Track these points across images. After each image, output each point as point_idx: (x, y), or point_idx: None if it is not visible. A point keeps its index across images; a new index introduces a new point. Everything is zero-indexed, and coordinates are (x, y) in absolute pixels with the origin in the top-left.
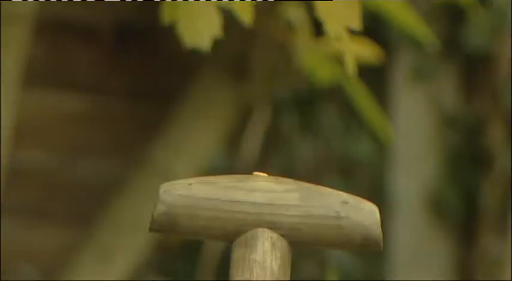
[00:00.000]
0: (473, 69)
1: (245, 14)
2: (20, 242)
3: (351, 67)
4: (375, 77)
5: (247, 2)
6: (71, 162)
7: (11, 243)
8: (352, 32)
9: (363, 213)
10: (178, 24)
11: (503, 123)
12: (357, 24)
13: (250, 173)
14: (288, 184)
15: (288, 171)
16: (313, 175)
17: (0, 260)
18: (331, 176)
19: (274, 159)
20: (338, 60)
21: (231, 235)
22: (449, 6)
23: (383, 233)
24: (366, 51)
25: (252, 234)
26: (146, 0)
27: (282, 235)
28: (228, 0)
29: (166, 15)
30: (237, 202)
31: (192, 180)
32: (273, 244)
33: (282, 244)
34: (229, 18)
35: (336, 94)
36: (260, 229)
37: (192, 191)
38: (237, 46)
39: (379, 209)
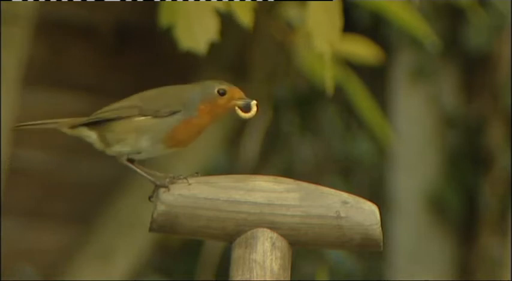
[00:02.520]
0: (473, 69)
1: (245, 16)
2: (20, 242)
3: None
4: (375, 77)
5: (247, 4)
6: (71, 162)
7: (11, 243)
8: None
9: (363, 213)
10: (176, 28)
11: (503, 123)
12: (337, 37)
13: (251, 173)
14: (288, 183)
15: (288, 171)
16: (313, 175)
17: (0, 260)
18: (331, 176)
19: (274, 159)
20: (338, 60)
21: (231, 235)
22: (449, 6)
23: (383, 233)
24: (367, 51)
25: (252, 234)
26: (146, 0)
27: (282, 235)
28: (227, 2)
29: (164, 19)
30: (237, 201)
31: (192, 180)
32: (273, 244)
33: (282, 243)
34: (228, 19)
35: (336, 94)
36: (260, 229)
37: (192, 191)
38: (237, 46)
39: (379, 209)
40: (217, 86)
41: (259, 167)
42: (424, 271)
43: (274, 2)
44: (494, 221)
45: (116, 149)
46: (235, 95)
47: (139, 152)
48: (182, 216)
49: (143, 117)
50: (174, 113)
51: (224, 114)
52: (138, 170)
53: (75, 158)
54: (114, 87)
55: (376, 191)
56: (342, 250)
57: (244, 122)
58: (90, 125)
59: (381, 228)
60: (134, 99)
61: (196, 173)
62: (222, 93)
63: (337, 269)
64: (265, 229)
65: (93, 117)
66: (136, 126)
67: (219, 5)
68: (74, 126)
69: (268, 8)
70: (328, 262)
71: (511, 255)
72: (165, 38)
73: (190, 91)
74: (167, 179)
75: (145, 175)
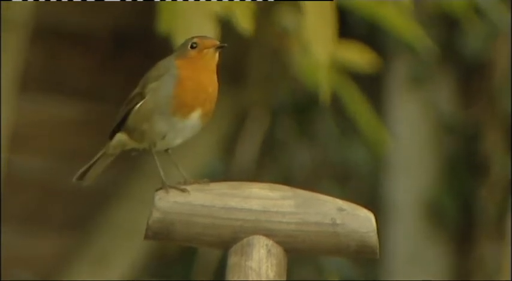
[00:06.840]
0: (469, 75)
1: (245, 21)
2: (18, 248)
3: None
4: (371, 84)
5: (248, 8)
6: (68, 168)
7: (8, 249)
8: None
9: (359, 220)
10: (174, 34)
11: (500, 129)
12: (332, 44)
13: (247, 179)
14: (284, 191)
15: (284, 177)
16: (310, 181)
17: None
18: (327, 183)
19: (271, 165)
20: (335, 67)
21: (226, 242)
22: (445, 13)
23: (379, 240)
24: (363, 58)
25: (248, 241)
26: (146, 0)
27: (277, 242)
28: (228, 9)
29: (162, 25)
30: (233, 209)
31: (190, 187)
32: (268, 251)
33: (278, 251)
34: (226, 25)
35: (332, 101)
36: (256, 236)
37: (187, 198)
38: (234, 52)
39: (376, 216)
40: (190, 41)
41: (256, 174)
42: (421, 277)
43: (271, 8)
44: (491, 227)
45: (146, 143)
46: (207, 44)
47: (164, 136)
48: (178, 223)
49: (143, 101)
50: (161, 80)
51: (208, 66)
52: (158, 165)
53: (72, 164)
54: (111, 93)
55: (373, 198)
56: (338, 257)
57: (241, 128)
58: (118, 130)
59: (377, 235)
60: (136, 89)
61: (203, 179)
62: (194, 47)
63: (334, 276)
64: (261, 236)
65: (115, 123)
66: (143, 113)
67: (218, 8)
68: (110, 138)
69: (266, 13)
70: (324, 269)
71: (510, 261)
72: (163, 43)
73: (172, 54)
74: (176, 183)
75: (161, 171)
